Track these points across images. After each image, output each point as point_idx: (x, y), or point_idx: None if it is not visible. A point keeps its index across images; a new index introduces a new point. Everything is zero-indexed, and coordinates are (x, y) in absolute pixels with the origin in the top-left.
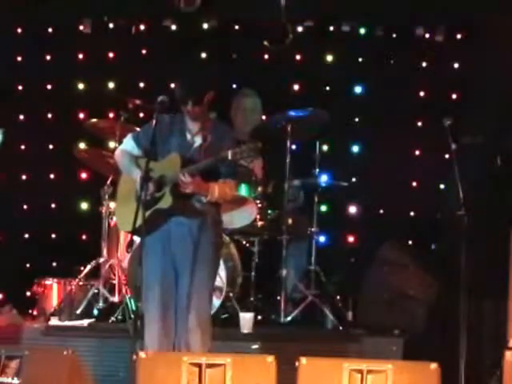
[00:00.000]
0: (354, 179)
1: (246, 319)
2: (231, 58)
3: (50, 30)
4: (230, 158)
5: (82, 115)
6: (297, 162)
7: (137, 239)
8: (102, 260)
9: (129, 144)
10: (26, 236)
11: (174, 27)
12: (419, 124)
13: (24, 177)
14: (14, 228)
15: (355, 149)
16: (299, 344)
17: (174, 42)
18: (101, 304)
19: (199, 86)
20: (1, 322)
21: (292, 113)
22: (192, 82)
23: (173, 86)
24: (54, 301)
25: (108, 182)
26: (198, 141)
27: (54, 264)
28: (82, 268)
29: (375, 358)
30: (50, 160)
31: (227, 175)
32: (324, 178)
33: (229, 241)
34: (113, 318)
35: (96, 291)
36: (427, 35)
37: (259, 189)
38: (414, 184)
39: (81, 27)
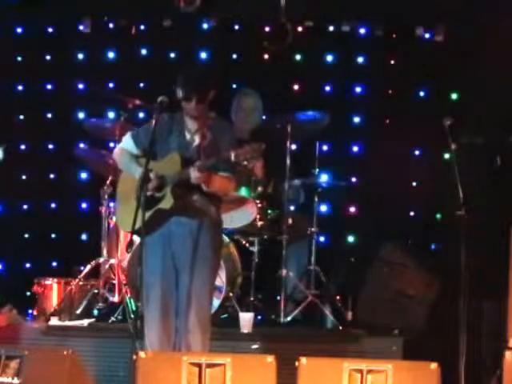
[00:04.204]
0: (353, 179)
1: (246, 319)
2: (231, 58)
3: (50, 29)
4: (233, 159)
5: (81, 115)
6: (297, 162)
7: (137, 239)
8: (102, 260)
9: (128, 143)
10: (26, 236)
11: (174, 27)
12: (419, 124)
13: (24, 177)
14: (14, 227)
15: (355, 149)
16: (299, 344)
17: (174, 42)
18: (101, 304)
19: (204, 83)
20: (1, 321)
21: (292, 113)
22: (197, 79)
23: (174, 85)
24: (54, 301)
25: (108, 182)
26: (198, 139)
27: (54, 264)
28: (82, 268)
29: (375, 357)
30: (49, 160)
31: (225, 170)
32: (324, 178)
33: (229, 241)
34: (113, 318)
35: (96, 291)
36: (427, 35)
37: (259, 189)
38: (414, 184)
39: (81, 27)
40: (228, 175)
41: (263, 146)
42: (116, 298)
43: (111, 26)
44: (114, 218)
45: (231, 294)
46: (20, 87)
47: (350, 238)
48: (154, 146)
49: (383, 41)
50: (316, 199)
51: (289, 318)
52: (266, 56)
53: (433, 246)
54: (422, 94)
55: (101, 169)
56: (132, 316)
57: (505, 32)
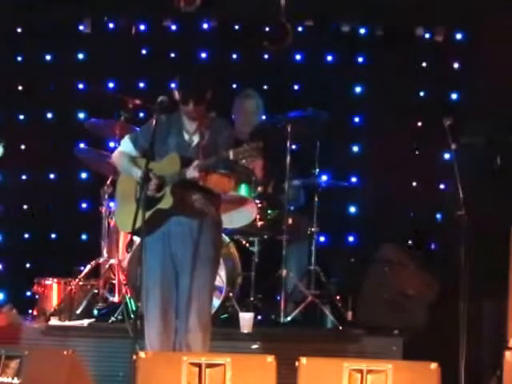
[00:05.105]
0: (353, 179)
1: (246, 319)
2: (231, 58)
3: (50, 30)
4: (231, 157)
5: (81, 115)
6: (297, 162)
7: (137, 239)
8: (101, 260)
9: (126, 145)
10: (26, 236)
11: (173, 27)
12: (419, 124)
13: (24, 177)
14: (14, 228)
15: (355, 149)
16: (299, 344)
17: (174, 42)
18: (101, 304)
19: (200, 86)
20: (1, 321)
21: (292, 113)
22: (193, 82)
23: (173, 86)
24: (54, 301)
25: (108, 182)
26: (196, 139)
27: (54, 264)
28: (82, 268)
29: (375, 357)
30: (50, 160)
31: (224, 168)
32: (324, 178)
33: (229, 241)
34: (113, 318)
35: (96, 291)
36: (427, 35)
37: (259, 189)
38: (414, 184)
39: (81, 27)
40: (226, 173)
41: (261, 145)
42: (116, 298)
43: (111, 26)
44: (114, 219)
45: (231, 294)
46: (20, 87)
47: (350, 238)
48: (153, 146)
49: (383, 41)
50: (316, 199)
51: (289, 318)
52: (266, 56)
53: (433, 246)
54: (421, 94)
55: (101, 169)
56: (132, 316)
57: (505, 32)
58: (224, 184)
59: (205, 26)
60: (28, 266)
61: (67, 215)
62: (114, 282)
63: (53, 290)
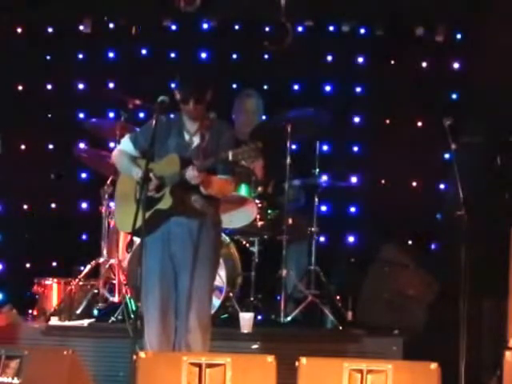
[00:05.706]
0: (353, 179)
1: (246, 319)
2: (231, 58)
3: (50, 29)
4: (230, 158)
5: (81, 115)
6: (297, 162)
7: (137, 239)
8: (102, 260)
9: (126, 144)
10: (26, 236)
11: (174, 27)
12: (419, 124)
13: (24, 177)
14: (14, 228)
15: (355, 149)
16: (299, 344)
17: (174, 42)
18: (101, 304)
19: (200, 84)
20: (1, 321)
21: (292, 113)
22: (193, 80)
23: (173, 85)
24: (54, 301)
25: (108, 181)
26: (197, 140)
27: (54, 264)
28: (82, 268)
29: (375, 358)
30: (50, 160)
31: (225, 172)
32: (324, 178)
33: (229, 241)
34: (113, 318)
35: (96, 291)
36: (427, 35)
37: (259, 189)
38: (414, 184)
39: (81, 27)
40: (227, 178)
41: (260, 145)
42: (116, 298)
43: (111, 26)
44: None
45: (231, 294)
46: (20, 87)
47: (350, 238)
48: (153, 146)
49: (383, 41)
50: (316, 199)
51: (289, 318)
52: (266, 56)
53: (433, 246)
54: (421, 93)
55: (101, 169)
56: (132, 316)
57: (505, 32)
58: (225, 189)
59: (205, 25)
60: (28, 266)
61: (67, 215)
62: (114, 282)
63: (53, 290)
